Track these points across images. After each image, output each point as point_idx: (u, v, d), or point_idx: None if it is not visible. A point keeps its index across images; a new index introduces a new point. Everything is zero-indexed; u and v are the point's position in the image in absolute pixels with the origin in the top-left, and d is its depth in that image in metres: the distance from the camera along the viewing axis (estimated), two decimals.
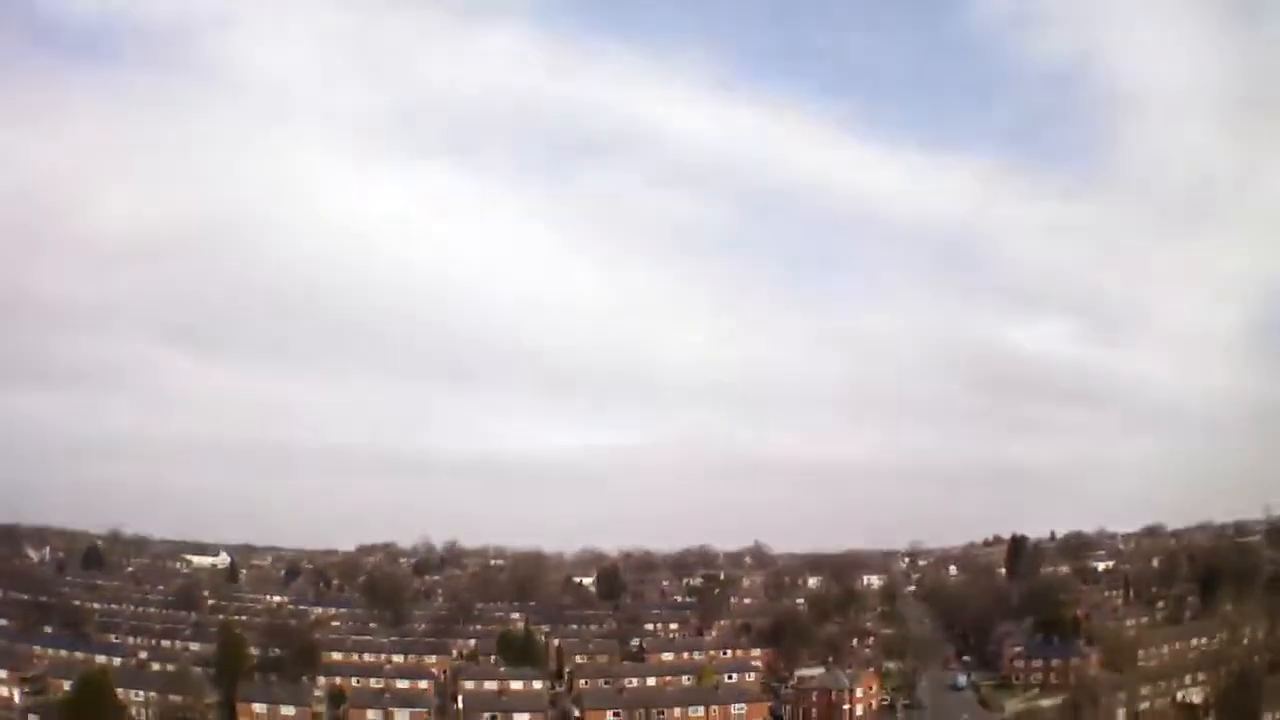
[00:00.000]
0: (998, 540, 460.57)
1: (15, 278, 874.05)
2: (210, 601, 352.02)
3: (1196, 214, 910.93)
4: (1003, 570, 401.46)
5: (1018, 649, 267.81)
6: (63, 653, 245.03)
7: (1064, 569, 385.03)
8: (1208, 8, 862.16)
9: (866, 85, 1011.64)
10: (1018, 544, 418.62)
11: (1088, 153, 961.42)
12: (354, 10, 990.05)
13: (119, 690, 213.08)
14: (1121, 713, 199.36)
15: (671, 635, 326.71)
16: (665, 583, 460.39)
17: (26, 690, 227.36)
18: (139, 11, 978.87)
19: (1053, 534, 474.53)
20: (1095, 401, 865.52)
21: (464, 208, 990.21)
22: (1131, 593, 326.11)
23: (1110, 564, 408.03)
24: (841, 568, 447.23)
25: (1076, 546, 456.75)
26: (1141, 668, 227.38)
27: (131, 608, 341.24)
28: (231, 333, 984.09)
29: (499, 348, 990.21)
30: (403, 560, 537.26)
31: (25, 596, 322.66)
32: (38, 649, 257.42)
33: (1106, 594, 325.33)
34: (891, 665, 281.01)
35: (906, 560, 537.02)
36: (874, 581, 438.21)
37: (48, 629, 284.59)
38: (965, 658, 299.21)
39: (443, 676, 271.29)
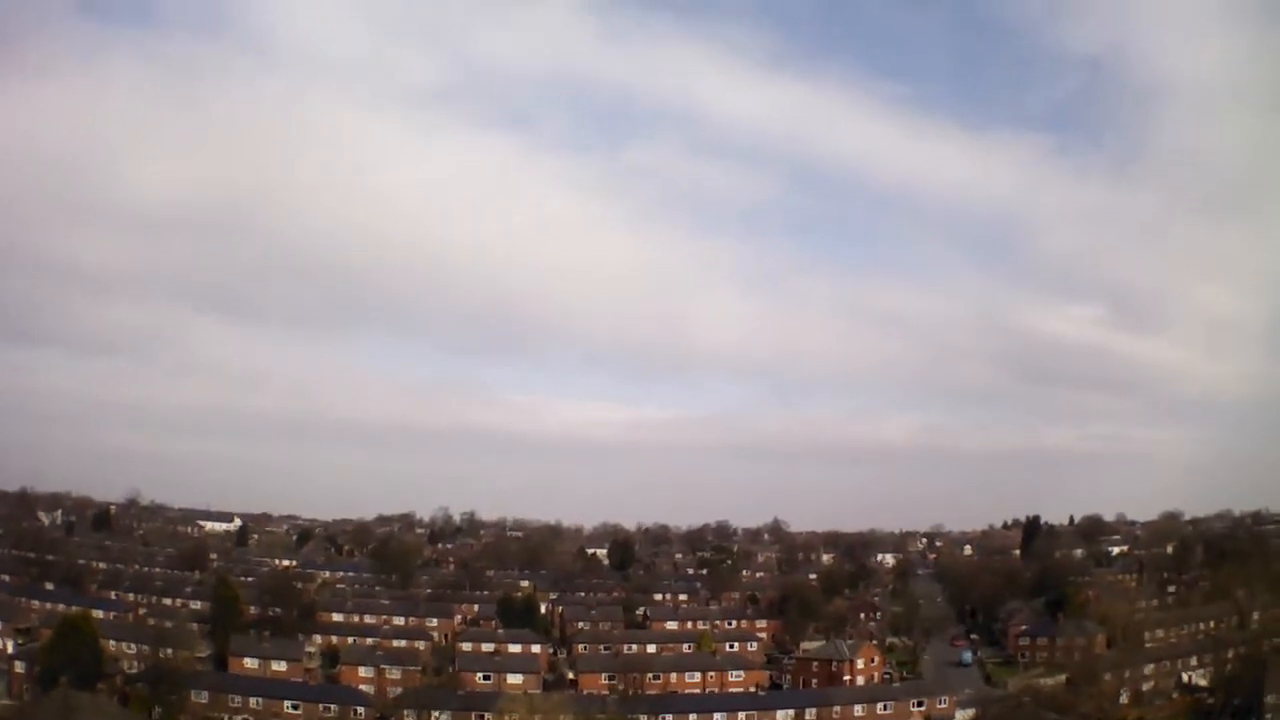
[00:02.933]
0: (1017, 524, 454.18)
1: (44, 243, 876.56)
2: (216, 563, 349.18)
3: (1229, 203, 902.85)
4: (1017, 552, 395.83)
5: (1024, 627, 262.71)
6: (60, 606, 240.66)
7: (1079, 552, 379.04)
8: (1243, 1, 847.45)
9: (911, 66, 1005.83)
10: (1032, 526, 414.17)
11: (1124, 140, 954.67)
12: None
13: (111, 643, 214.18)
14: (1124, 692, 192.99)
15: (678, 605, 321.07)
16: (679, 555, 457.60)
17: (20, 641, 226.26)
18: None
19: (1071, 519, 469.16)
20: (1122, 389, 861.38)
21: (509, 180, 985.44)
22: (1144, 576, 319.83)
23: (1125, 548, 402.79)
24: (857, 546, 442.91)
25: (1093, 531, 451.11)
26: (1147, 648, 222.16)
27: (136, 567, 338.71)
28: (266, 304, 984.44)
29: (536, 321, 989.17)
30: (419, 530, 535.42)
31: (31, 555, 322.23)
32: (35, 603, 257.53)
33: (1119, 577, 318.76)
34: (897, 640, 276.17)
35: (924, 541, 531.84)
36: (889, 560, 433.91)
37: (49, 585, 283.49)
38: (972, 635, 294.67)
39: (443, 639, 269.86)
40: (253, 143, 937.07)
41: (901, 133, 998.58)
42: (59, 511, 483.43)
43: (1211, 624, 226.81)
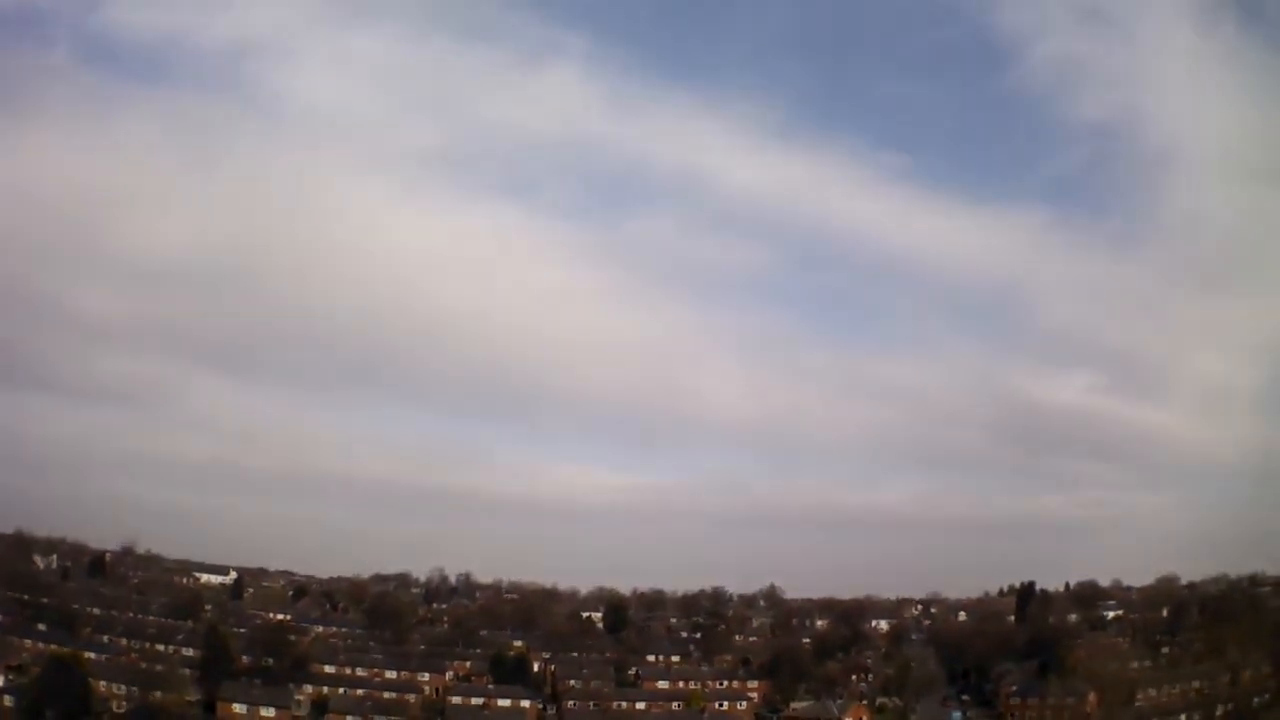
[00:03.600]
0: (1013, 591, 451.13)
1: (45, 290, 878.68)
2: (210, 614, 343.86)
3: (1229, 273, 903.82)
4: (1012, 618, 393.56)
5: (1014, 688, 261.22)
6: (52, 647, 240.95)
7: (1073, 617, 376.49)
8: (1247, 71, 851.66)
9: (913, 138, 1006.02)
10: (1026, 591, 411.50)
11: (1125, 210, 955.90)
12: (413, 46, 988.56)
13: (101, 684, 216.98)
14: None
15: (670, 666, 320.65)
16: (673, 620, 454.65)
17: (10, 677, 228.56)
18: (193, 35, 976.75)
19: (1067, 585, 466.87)
20: (1120, 455, 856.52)
21: (510, 245, 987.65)
22: (1137, 638, 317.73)
23: (1120, 613, 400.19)
24: (852, 611, 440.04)
25: (1088, 596, 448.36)
26: (1137, 707, 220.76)
27: (130, 614, 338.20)
28: (266, 361, 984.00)
29: (534, 386, 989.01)
30: (415, 590, 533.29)
31: (25, 597, 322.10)
32: (28, 642, 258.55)
33: (1113, 640, 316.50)
34: (888, 701, 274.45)
35: (920, 608, 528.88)
36: (883, 625, 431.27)
37: (41, 627, 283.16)
38: (964, 696, 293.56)
39: (434, 693, 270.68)
40: (255, 201, 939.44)
41: (903, 204, 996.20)
42: (54, 556, 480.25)
43: (1203, 683, 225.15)
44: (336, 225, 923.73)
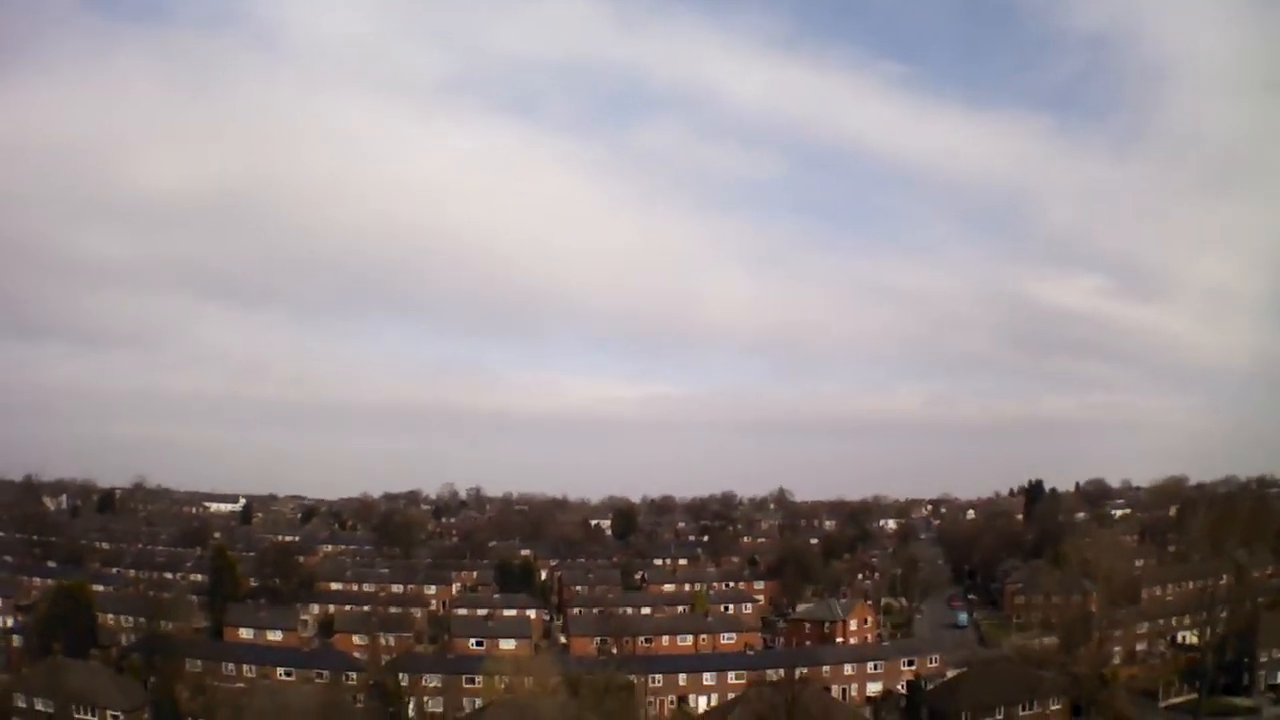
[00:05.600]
0: (1022, 491, 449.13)
1: (47, 235, 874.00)
2: (217, 540, 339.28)
3: (1229, 176, 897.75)
4: (1020, 516, 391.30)
5: (1020, 586, 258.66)
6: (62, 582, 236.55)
7: (1081, 515, 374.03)
8: None
9: (913, 48, 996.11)
10: (1034, 489, 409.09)
11: (1126, 117, 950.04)
12: None
13: (109, 616, 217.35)
14: (1117, 650, 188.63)
15: (677, 569, 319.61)
16: (681, 524, 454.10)
17: (20, 618, 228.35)
18: None
19: (1077, 485, 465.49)
20: (1126, 358, 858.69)
21: (516, 164, 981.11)
22: (1145, 537, 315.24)
23: (1128, 511, 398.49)
24: (860, 512, 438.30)
25: (1096, 495, 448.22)
26: (1142, 607, 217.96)
27: (139, 546, 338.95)
28: (272, 291, 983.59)
29: (545, 301, 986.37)
30: (425, 507, 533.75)
31: (34, 537, 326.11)
32: (37, 580, 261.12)
33: (1120, 538, 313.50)
34: (894, 601, 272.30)
35: (929, 508, 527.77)
36: (891, 525, 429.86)
37: (51, 564, 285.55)
38: (970, 596, 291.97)
39: (440, 606, 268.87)
40: (257, 133, 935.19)
41: (904, 112, 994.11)
42: (64, 497, 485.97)
43: (1208, 582, 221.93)
44: (341, 154, 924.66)
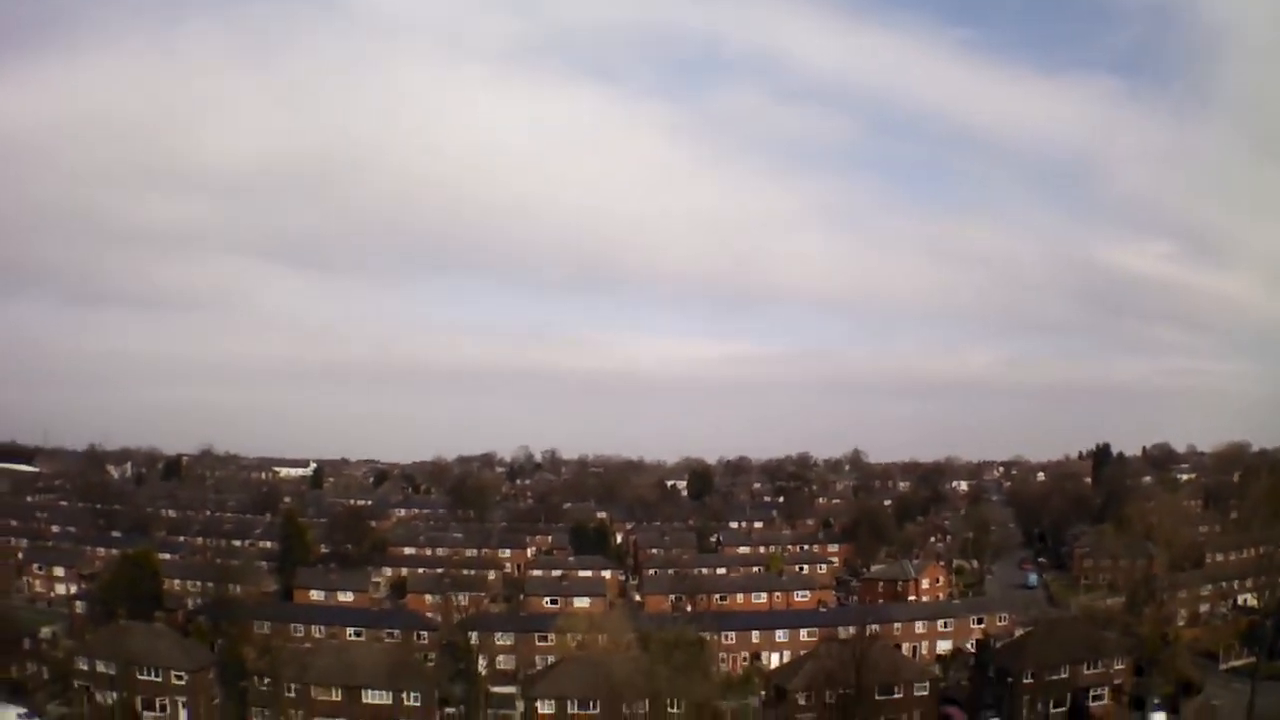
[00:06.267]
0: (1092, 454, 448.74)
1: (121, 203, 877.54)
2: (288, 505, 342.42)
3: None
4: (1089, 479, 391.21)
5: (1086, 549, 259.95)
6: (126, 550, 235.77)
7: (1147, 479, 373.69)
8: None
9: (984, 12, 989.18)
10: (1102, 453, 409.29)
11: (1194, 82, 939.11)
12: None
13: (176, 582, 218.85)
14: (1181, 613, 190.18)
15: (751, 531, 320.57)
16: (757, 485, 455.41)
17: (84, 585, 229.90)
18: None
19: (1144, 449, 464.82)
20: (1194, 324, 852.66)
21: (594, 128, 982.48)
22: (1209, 501, 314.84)
23: (1192, 476, 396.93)
24: (933, 474, 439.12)
25: (1162, 459, 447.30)
26: (1206, 570, 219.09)
27: (206, 513, 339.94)
28: (347, 256, 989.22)
29: (624, 263, 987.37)
30: (499, 469, 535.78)
31: (98, 506, 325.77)
32: (101, 550, 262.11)
33: (1185, 502, 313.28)
34: (965, 563, 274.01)
35: (1000, 470, 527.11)
36: (963, 487, 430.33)
37: (115, 533, 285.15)
38: (1040, 558, 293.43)
39: (515, 568, 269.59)
40: (335, 99, 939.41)
41: (975, 76, 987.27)
42: (128, 465, 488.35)
43: (1271, 548, 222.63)
44: (417, 118, 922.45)
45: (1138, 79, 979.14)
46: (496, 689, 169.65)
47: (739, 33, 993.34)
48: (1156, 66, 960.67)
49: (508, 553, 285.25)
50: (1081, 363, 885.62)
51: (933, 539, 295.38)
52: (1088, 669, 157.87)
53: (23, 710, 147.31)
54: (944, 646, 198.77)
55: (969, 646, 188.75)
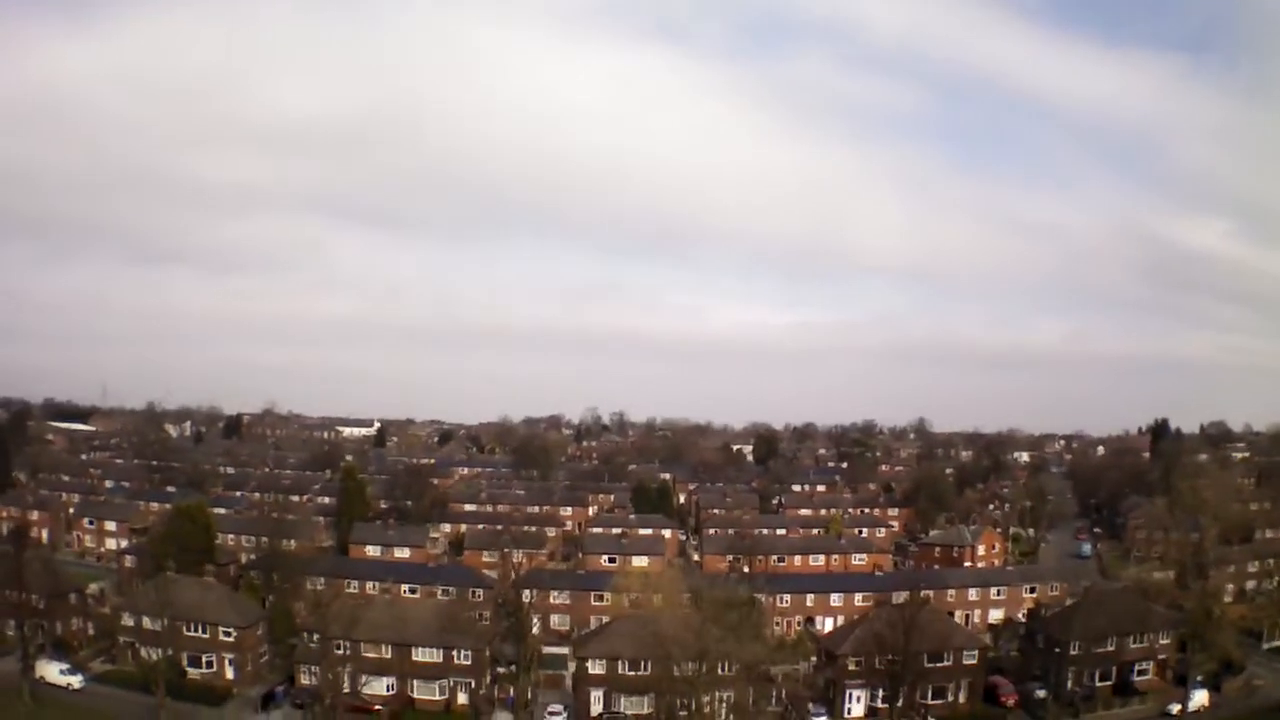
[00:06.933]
0: (1150, 430, 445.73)
1: (187, 161, 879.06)
2: (349, 463, 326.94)
3: None
4: (1146, 454, 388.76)
5: (1140, 521, 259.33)
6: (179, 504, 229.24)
7: (1203, 456, 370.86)
8: None
9: None
10: (1159, 429, 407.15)
11: (1258, 61, 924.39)
12: None
13: (229, 537, 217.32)
14: (1228, 588, 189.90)
15: (814, 494, 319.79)
16: (822, 451, 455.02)
17: (134, 540, 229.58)
18: None
19: (1201, 426, 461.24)
20: (1253, 301, 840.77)
21: (664, 89, 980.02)
22: (1261, 480, 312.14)
23: (1247, 454, 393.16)
24: (995, 444, 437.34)
25: (1219, 437, 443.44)
26: (1253, 546, 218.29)
27: (265, 470, 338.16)
28: (413, 215, 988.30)
29: (692, 226, 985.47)
30: (566, 431, 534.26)
31: (154, 463, 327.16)
32: (154, 505, 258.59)
33: (1238, 479, 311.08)
34: (1022, 531, 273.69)
35: (1061, 443, 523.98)
36: (1024, 458, 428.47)
37: (170, 489, 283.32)
38: (1095, 529, 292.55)
39: (576, 527, 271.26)
40: (403, 56, 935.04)
41: (1042, 46, 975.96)
42: (188, 424, 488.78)
43: None
44: (485, 77, 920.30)
45: (1204, 56, 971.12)
46: (549, 649, 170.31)
47: None
48: (1224, 45, 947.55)
49: (569, 511, 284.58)
50: (1144, 338, 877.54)
51: (991, 507, 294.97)
52: (1134, 642, 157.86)
53: (65, 665, 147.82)
54: (996, 615, 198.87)
55: (1020, 615, 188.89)
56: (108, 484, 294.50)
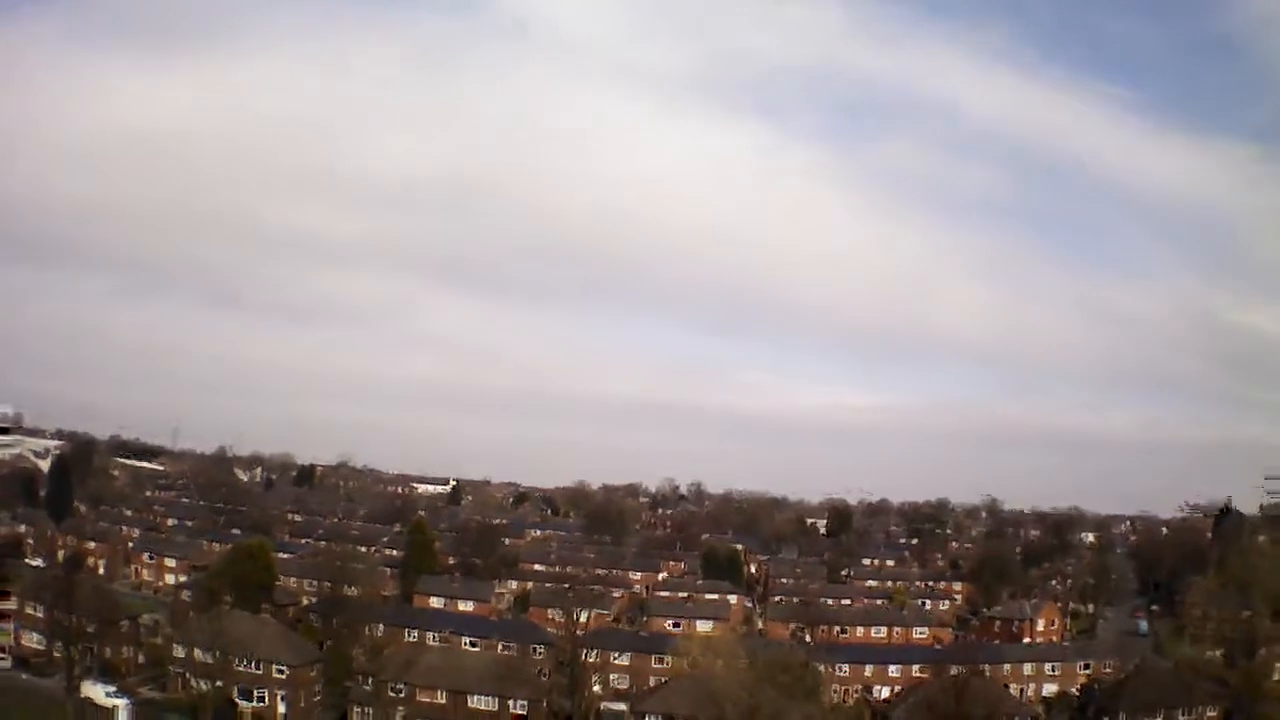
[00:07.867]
0: (1216, 512, 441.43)
1: (276, 212, 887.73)
2: (420, 517, 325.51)
3: None
4: (1209, 535, 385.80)
5: (1196, 601, 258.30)
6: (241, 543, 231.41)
7: (1262, 538, 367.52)
8: None
9: (1136, 74, 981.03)
10: (1224, 510, 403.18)
11: None
12: None
13: (291, 580, 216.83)
14: (1278, 666, 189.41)
15: (883, 567, 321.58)
16: (893, 526, 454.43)
17: (193, 576, 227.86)
18: None
19: (1261, 506, 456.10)
20: None
21: (754, 166, 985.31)
22: None
23: None
24: (1062, 523, 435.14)
25: (1277, 518, 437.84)
26: None
27: (334, 519, 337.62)
28: (503, 280, 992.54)
29: (774, 304, 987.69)
30: (643, 499, 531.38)
31: (221, 505, 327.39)
32: (217, 545, 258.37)
33: None
34: (1082, 608, 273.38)
35: (1128, 523, 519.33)
36: (1090, 538, 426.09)
37: (236, 531, 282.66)
38: (1154, 607, 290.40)
39: (644, 591, 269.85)
40: (499, 121, 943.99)
41: (1124, 134, 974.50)
42: (259, 470, 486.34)
43: None
44: (580, 145, 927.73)
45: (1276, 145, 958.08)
46: (608, 705, 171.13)
47: (900, 79, 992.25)
48: None
49: (638, 575, 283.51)
50: (1212, 423, 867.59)
51: (1053, 582, 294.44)
52: (1182, 715, 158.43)
53: (112, 688, 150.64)
54: (1050, 689, 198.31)
55: (1074, 689, 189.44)
56: (170, 522, 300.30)
